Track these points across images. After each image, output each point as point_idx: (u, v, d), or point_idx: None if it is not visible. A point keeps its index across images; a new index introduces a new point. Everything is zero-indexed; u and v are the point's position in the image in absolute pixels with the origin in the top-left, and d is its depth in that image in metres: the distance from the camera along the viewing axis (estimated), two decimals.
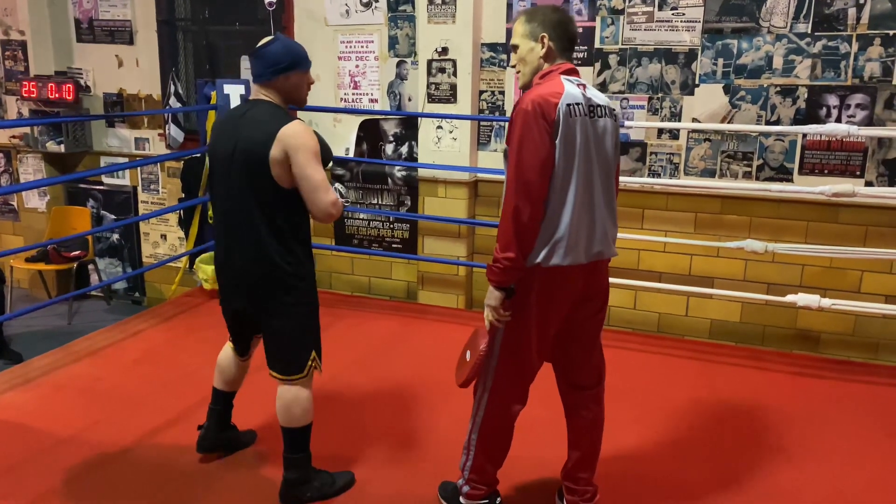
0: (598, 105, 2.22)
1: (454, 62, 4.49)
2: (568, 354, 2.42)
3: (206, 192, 4.82)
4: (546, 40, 2.22)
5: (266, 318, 2.51)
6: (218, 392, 2.83)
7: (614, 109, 2.32)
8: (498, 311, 2.21)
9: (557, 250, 2.16)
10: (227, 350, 2.79)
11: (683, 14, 4.10)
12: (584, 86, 2.23)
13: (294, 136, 2.33)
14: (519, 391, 2.37)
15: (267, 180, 2.34)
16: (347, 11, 4.79)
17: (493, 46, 4.52)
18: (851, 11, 3.80)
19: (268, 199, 2.38)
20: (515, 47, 2.30)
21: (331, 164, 2.62)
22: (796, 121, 4.00)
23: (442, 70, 4.53)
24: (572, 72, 2.26)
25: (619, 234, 4.31)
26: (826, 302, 3.69)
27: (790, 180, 4.08)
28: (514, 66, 2.34)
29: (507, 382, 2.33)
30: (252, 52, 2.46)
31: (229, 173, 2.42)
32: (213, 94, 4.68)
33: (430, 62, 4.55)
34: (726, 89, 4.10)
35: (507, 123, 4.51)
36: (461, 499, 2.50)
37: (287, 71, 2.42)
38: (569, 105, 2.12)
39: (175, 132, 5.33)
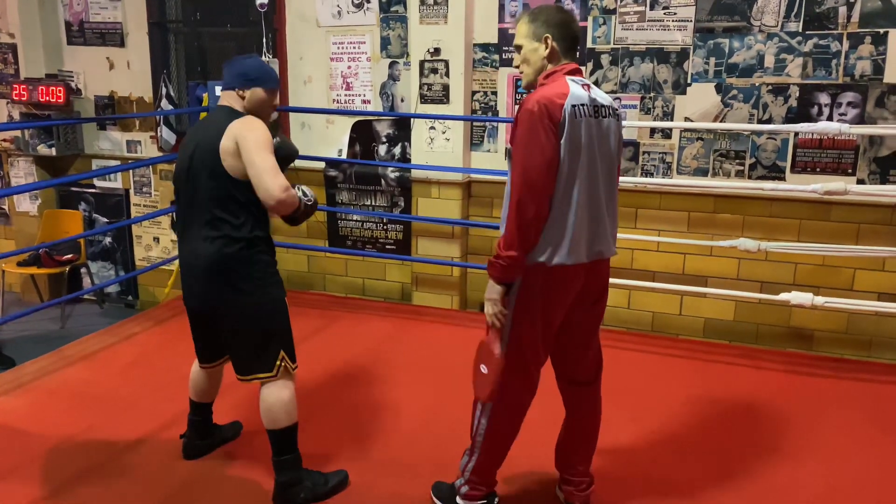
0: (603, 105, 2.23)
1: (446, 63, 4.48)
2: (566, 350, 2.44)
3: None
4: (550, 41, 2.22)
5: (223, 317, 2.50)
6: (194, 403, 2.84)
7: (617, 109, 2.33)
8: (498, 304, 2.22)
9: (561, 250, 2.18)
10: (196, 362, 2.79)
11: (675, 13, 4.10)
12: (589, 86, 2.24)
13: (243, 126, 2.38)
14: (526, 390, 2.37)
15: (220, 172, 2.38)
16: (339, 12, 4.78)
17: (485, 47, 4.52)
18: (842, 10, 3.82)
19: (223, 194, 2.40)
20: (519, 48, 2.30)
21: (293, 163, 2.62)
22: (788, 119, 4.01)
23: (434, 71, 4.52)
24: (576, 72, 2.26)
25: None
26: (819, 300, 3.70)
27: (782, 179, 4.09)
28: (517, 66, 2.35)
29: (515, 382, 2.31)
30: (226, 62, 2.55)
31: (189, 175, 2.46)
32: (205, 95, 4.67)
33: (422, 63, 4.54)
34: (718, 88, 4.11)
35: (499, 124, 4.54)
36: (458, 499, 2.49)
37: (254, 84, 2.51)
38: (574, 106, 2.13)
39: (167, 134, 5.32)
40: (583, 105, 2.15)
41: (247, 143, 2.34)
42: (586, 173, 2.17)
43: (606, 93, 4.26)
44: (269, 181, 2.30)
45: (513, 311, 2.25)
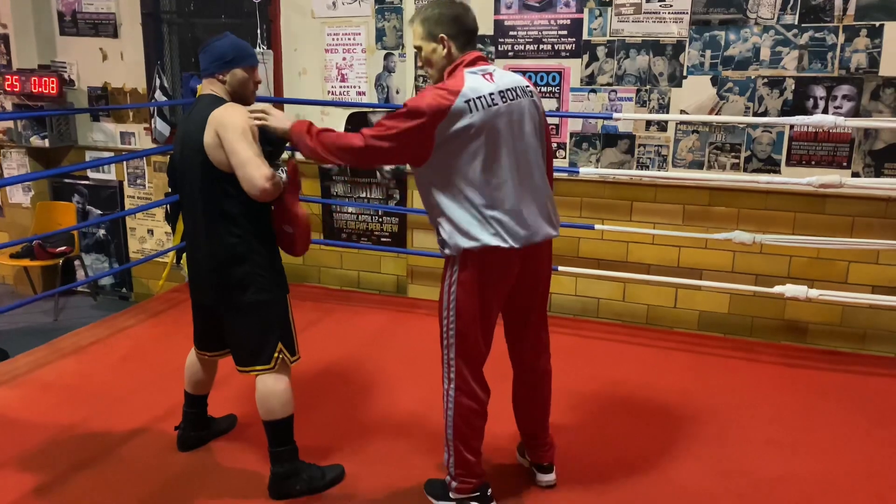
0: (509, 89, 2.25)
1: None
2: (510, 332, 2.56)
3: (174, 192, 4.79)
4: (446, 40, 2.26)
5: (225, 311, 2.50)
6: (189, 395, 2.83)
7: (529, 86, 2.34)
8: (282, 122, 2.37)
9: (498, 233, 2.24)
10: (191, 353, 2.79)
11: (671, 6, 4.09)
12: (491, 74, 2.25)
13: (222, 116, 2.34)
14: (478, 373, 2.42)
15: (208, 167, 2.36)
16: (334, 3, 4.75)
17: (480, 38, 4.50)
18: (838, 3, 3.81)
19: (214, 188, 2.38)
20: (419, 48, 2.33)
21: (285, 148, 2.60)
22: (783, 112, 4.01)
23: None
24: (479, 60, 2.29)
25: (608, 227, 4.36)
26: (813, 292, 3.71)
27: (778, 172, 4.09)
28: (421, 67, 2.36)
29: (467, 368, 2.37)
30: (200, 47, 2.50)
31: (183, 171, 2.46)
32: (199, 87, 4.63)
33: (417, 54, 4.52)
34: (714, 81, 4.10)
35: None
36: (451, 494, 2.50)
37: (232, 65, 2.45)
38: (468, 101, 2.16)
39: (161, 126, 5.29)
40: (480, 97, 2.18)
41: (227, 134, 2.31)
42: (509, 159, 2.23)
43: (602, 85, 4.30)
44: (252, 171, 2.28)
45: (454, 298, 2.30)
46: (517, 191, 2.27)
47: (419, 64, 2.37)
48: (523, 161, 2.30)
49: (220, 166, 2.35)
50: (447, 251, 2.30)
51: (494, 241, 2.24)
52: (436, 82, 2.33)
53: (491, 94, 2.21)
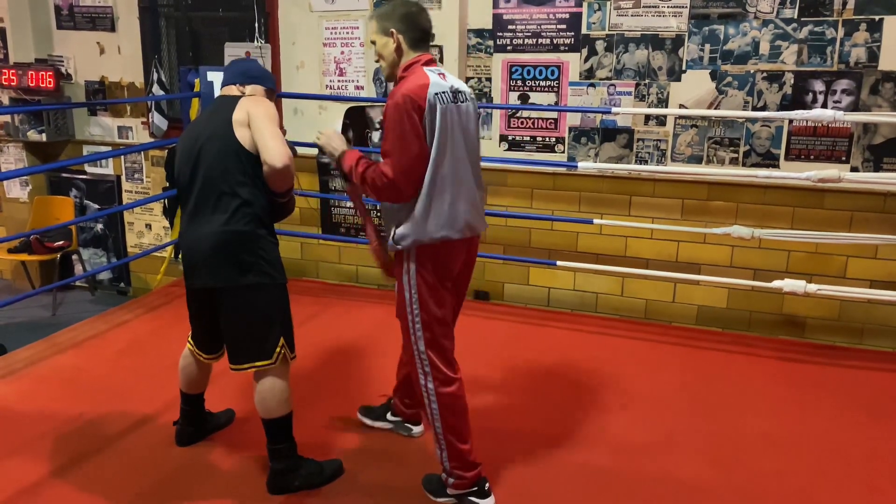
0: (460, 91, 2.40)
1: (440, 48, 4.45)
2: None
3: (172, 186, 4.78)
4: (396, 34, 2.36)
5: (226, 299, 2.47)
6: (185, 395, 2.83)
7: (472, 93, 2.51)
8: (341, 145, 2.48)
9: (445, 225, 2.35)
10: (185, 353, 2.78)
11: (670, 0, 4.08)
12: (444, 74, 2.40)
13: (254, 100, 2.48)
14: (450, 359, 2.49)
15: (232, 142, 2.41)
16: None
17: (479, 32, 4.49)
18: None
19: (233, 165, 2.42)
20: (373, 42, 2.43)
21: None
22: (782, 106, 4.00)
23: None
24: (431, 62, 2.42)
25: (607, 221, 4.39)
26: (812, 287, 3.71)
27: (776, 166, 4.08)
28: (376, 61, 2.48)
29: (439, 357, 2.45)
30: (228, 64, 2.69)
31: (198, 157, 2.46)
32: (197, 81, 4.62)
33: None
34: (713, 75, 4.09)
35: (493, 110, 4.52)
36: (448, 490, 2.51)
37: (255, 81, 2.61)
38: (436, 94, 2.29)
39: (158, 120, 5.27)
40: (443, 93, 2.31)
41: (257, 112, 2.42)
42: (455, 155, 2.35)
43: (601, 79, 4.30)
44: (277, 146, 2.36)
45: (416, 291, 2.39)
46: (465, 187, 2.40)
47: (374, 59, 2.51)
48: (470, 159, 2.43)
49: (244, 142, 2.42)
50: (403, 244, 2.37)
51: (451, 234, 2.37)
52: (387, 76, 2.46)
53: (450, 92, 2.34)
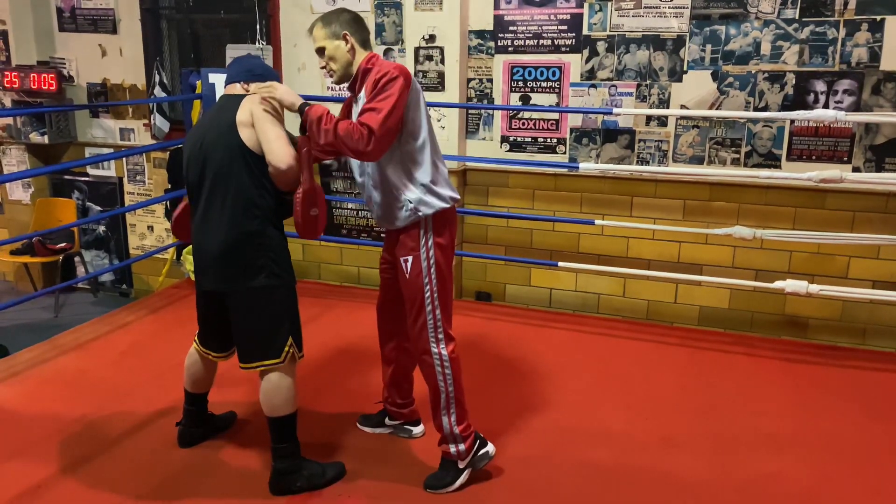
0: None
1: (441, 50, 4.46)
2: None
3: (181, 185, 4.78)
4: (348, 36, 2.48)
5: (234, 296, 2.48)
6: (189, 394, 2.83)
7: None
8: (293, 97, 2.48)
9: (449, 186, 2.56)
10: (191, 351, 2.79)
11: (671, 0, 4.08)
12: None
13: (258, 100, 2.48)
14: (451, 325, 2.61)
15: (236, 144, 2.43)
16: None
17: (480, 34, 4.49)
18: None
19: (238, 167, 2.43)
20: (322, 50, 2.51)
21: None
22: (784, 107, 4.00)
23: (429, 58, 4.50)
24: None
25: (608, 222, 4.38)
26: (814, 288, 3.70)
27: (778, 167, 4.08)
28: (323, 67, 2.56)
29: (447, 322, 2.58)
30: (231, 62, 2.70)
31: (203, 157, 2.48)
32: (199, 83, 4.63)
33: (417, 50, 4.52)
34: (714, 76, 4.09)
35: (494, 111, 4.52)
36: (460, 463, 2.58)
37: (258, 79, 2.60)
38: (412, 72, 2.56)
39: (160, 122, 5.28)
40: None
41: (260, 113, 2.44)
42: (430, 126, 2.53)
43: (602, 80, 4.30)
44: (280, 147, 2.39)
45: (434, 261, 2.51)
46: (440, 151, 2.59)
47: (321, 65, 2.58)
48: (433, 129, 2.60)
49: (249, 143, 2.43)
50: (419, 214, 2.48)
51: (455, 195, 2.56)
52: (339, 78, 2.53)
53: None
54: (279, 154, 2.38)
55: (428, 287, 2.51)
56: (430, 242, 2.51)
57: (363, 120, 2.32)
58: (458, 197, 2.58)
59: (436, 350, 2.54)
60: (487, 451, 2.65)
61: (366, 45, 2.54)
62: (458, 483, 2.58)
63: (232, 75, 2.65)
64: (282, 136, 2.42)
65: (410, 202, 2.47)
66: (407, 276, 2.54)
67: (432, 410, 2.62)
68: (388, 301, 2.80)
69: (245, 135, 2.43)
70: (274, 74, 2.69)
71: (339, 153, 2.52)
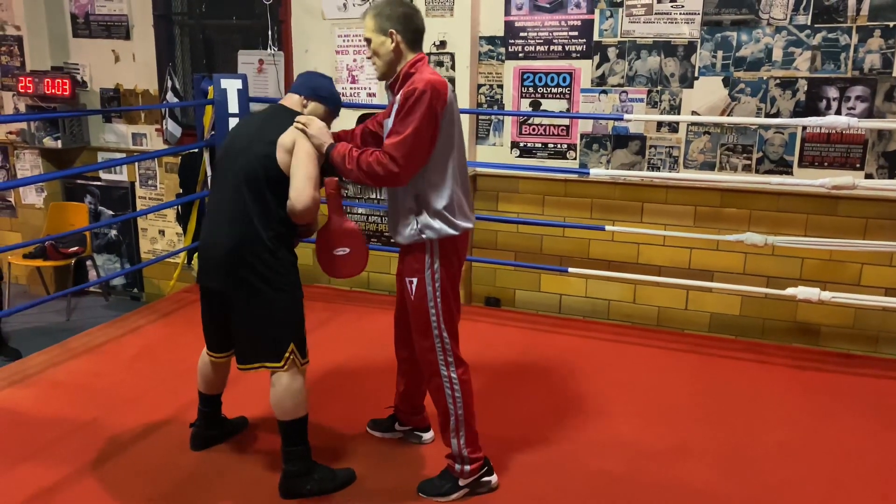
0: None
1: (452, 56, 4.47)
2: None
3: (205, 186, 4.81)
4: (395, 35, 2.39)
5: (238, 302, 2.49)
6: (203, 395, 2.85)
7: None
8: (325, 135, 2.46)
9: (464, 215, 2.47)
10: (203, 353, 2.80)
11: (682, 6, 4.08)
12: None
13: (302, 132, 2.47)
14: (459, 347, 2.57)
15: (270, 159, 2.44)
16: (345, 5, 4.76)
17: (491, 40, 4.50)
18: (851, 3, 3.78)
19: (263, 182, 2.44)
20: (368, 41, 2.45)
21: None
22: (796, 113, 3.99)
23: (440, 64, 4.51)
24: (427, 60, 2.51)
25: (619, 228, 4.39)
26: (826, 295, 3.68)
27: (790, 173, 4.06)
28: (369, 58, 2.51)
29: (455, 344, 2.54)
30: (303, 72, 2.70)
31: (236, 157, 2.49)
32: (211, 88, 4.66)
33: (428, 56, 4.51)
34: (726, 82, 4.08)
35: (505, 117, 4.53)
36: (461, 481, 2.56)
37: (319, 100, 2.60)
38: (451, 90, 2.39)
39: (172, 127, 5.32)
40: (453, 90, 2.42)
41: (301, 147, 2.44)
42: (459, 148, 2.45)
43: (613, 86, 4.30)
44: (305, 189, 2.40)
45: (440, 285, 2.45)
46: (466, 178, 2.52)
47: (367, 55, 2.52)
48: (464, 152, 2.53)
49: (281, 164, 2.44)
50: (424, 237, 2.42)
51: (469, 224, 2.49)
52: (382, 74, 2.47)
53: (453, 90, 2.42)
54: (300, 195, 2.40)
55: (434, 311, 2.47)
56: (435, 266, 2.45)
57: (387, 145, 2.30)
58: (472, 226, 2.52)
59: (445, 373, 2.51)
60: (490, 482, 2.61)
61: (415, 45, 2.44)
62: (453, 497, 2.56)
63: (297, 87, 2.63)
64: (311, 178, 2.42)
65: (417, 222, 2.43)
66: (412, 297, 2.51)
67: (441, 432, 2.61)
68: (403, 311, 2.76)
69: (281, 158, 2.44)
70: (335, 101, 2.67)
71: (360, 182, 2.46)
